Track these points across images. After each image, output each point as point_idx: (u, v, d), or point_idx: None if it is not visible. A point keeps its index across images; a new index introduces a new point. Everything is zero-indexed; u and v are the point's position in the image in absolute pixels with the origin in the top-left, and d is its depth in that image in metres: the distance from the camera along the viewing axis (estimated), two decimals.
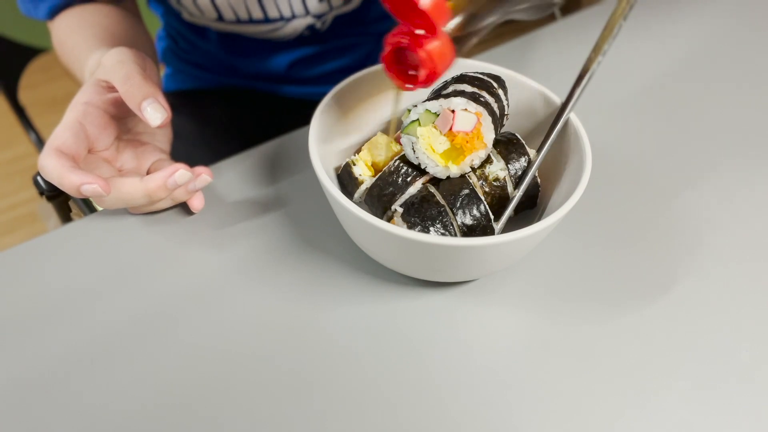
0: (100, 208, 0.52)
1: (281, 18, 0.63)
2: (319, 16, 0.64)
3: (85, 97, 0.44)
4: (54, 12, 0.58)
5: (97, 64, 0.48)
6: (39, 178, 0.70)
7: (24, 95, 0.87)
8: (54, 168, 0.39)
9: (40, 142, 0.86)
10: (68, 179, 0.39)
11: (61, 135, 0.41)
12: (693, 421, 0.37)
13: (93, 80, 0.45)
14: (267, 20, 0.63)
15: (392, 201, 0.41)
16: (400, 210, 0.40)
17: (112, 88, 0.45)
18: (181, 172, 0.42)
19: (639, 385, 0.38)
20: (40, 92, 1.68)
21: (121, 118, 0.47)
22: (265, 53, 0.71)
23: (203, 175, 0.45)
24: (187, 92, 0.77)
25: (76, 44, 0.54)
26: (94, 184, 0.39)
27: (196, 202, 0.46)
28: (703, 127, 0.57)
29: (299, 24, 0.64)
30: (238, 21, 0.63)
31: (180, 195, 0.45)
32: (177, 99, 0.77)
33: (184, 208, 0.48)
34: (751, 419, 0.37)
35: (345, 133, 0.47)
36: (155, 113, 0.42)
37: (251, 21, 0.63)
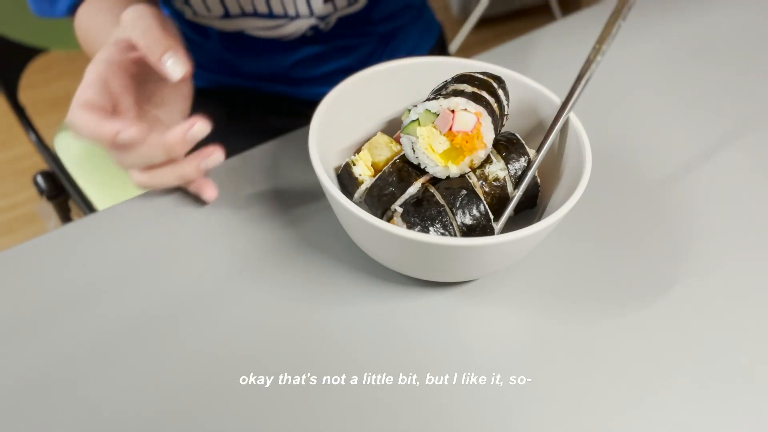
0: (100, 208, 0.52)
1: (285, 15, 0.63)
2: (323, 18, 0.64)
3: (106, 54, 0.43)
4: (74, 7, 0.57)
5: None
6: (39, 178, 0.70)
7: (24, 95, 0.87)
8: (86, 122, 0.39)
9: (40, 142, 0.86)
10: (104, 129, 0.38)
11: (85, 92, 0.41)
12: (693, 421, 0.37)
13: (112, 40, 0.45)
14: (271, 15, 0.63)
15: (392, 201, 0.41)
16: (400, 210, 0.40)
17: (132, 48, 0.45)
18: (199, 125, 0.41)
19: (639, 384, 0.38)
20: (40, 92, 1.68)
21: (142, 81, 0.46)
22: (268, 53, 0.71)
23: (215, 154, 0.44)
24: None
25: (100, 27, 0.53)
26: (132, 128, 0.38)
27: (209, 192, 0.45)
28: (703, 127, 0.57)
29: (302, 24, 0.64)
30: (243, 14, 0.63)
31: (189, 171, 0.44)
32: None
33: (184, 208, 0.48)
34: (751, 419, 0.37)
35: (345, 133, 0.47)
36: (176, 67, 0.42)
37: (256, 14, 0.63)
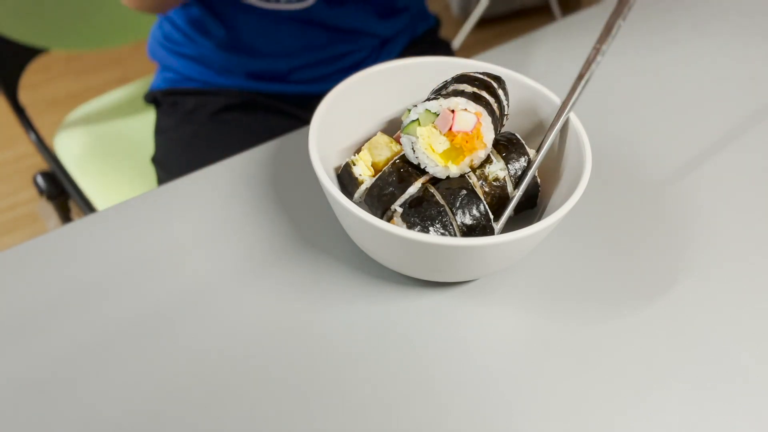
0: (100, 208, 0.52)
1: None
2: None
3: None
4: None
5: None
6: (39, 178, 0.70)
7: (24, 95, 0.87)
8: None
9: (40, 142, 0.86)
10: None
11: None
12: (693, 422, 0.37)
13: None
14: None
15: (392, 201, 0.41)
16: (400, 210, 0.40)
17: None
18: None
19: (639, 385, 0.38)
20: (40, 92, 1.68)
21: None
22: (268, 37, 0.71)
23: None
24: (188, 91, 0.77)
25: None
26: None
27: None
28: (704, 127, 0.57)
29: None
30: None
31: None
32: (177, 98, 0.77)
33: (184, 208, 0.48)
34: (751, 420, 0.37)
35: (345, 133, 0.47)
36: None
37: None
